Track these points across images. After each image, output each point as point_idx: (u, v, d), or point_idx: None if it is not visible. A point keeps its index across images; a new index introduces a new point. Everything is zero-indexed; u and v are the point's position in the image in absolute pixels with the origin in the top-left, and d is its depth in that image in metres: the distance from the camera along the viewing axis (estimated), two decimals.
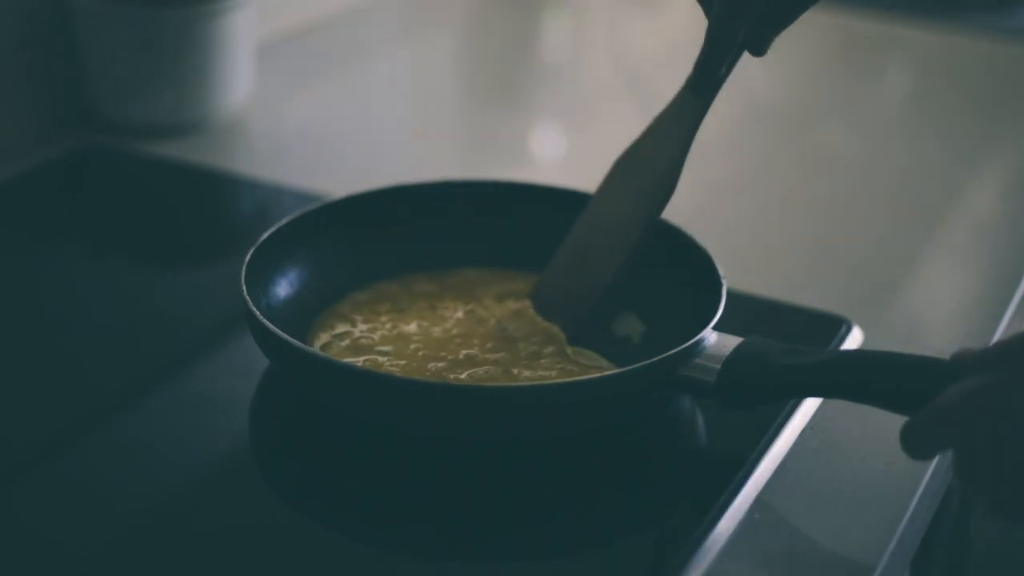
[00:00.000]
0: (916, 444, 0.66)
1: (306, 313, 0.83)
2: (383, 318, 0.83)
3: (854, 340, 0.87)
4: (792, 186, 1.13)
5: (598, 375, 0.73)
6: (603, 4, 1.61)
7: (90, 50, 1.12)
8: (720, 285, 0.79)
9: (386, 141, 1.20)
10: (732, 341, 0.75)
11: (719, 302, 0.77)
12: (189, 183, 1.08)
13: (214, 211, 1.09)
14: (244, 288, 0.77)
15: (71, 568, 0.67)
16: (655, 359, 0.73)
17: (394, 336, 0.81)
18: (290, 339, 0.73)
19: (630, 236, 0.80)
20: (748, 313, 0.86)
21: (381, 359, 0.79)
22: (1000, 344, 0.66)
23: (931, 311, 0.97)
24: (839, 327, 0.87)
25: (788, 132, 1.26)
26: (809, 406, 0.80)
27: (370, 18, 1.46)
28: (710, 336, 0.75)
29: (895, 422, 0.73)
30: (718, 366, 0.73)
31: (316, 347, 0.80)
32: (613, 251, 0.80)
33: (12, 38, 1.10)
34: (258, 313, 0.75)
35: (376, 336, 0.81)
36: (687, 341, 0.74)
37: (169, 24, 1.10)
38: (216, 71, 1.14)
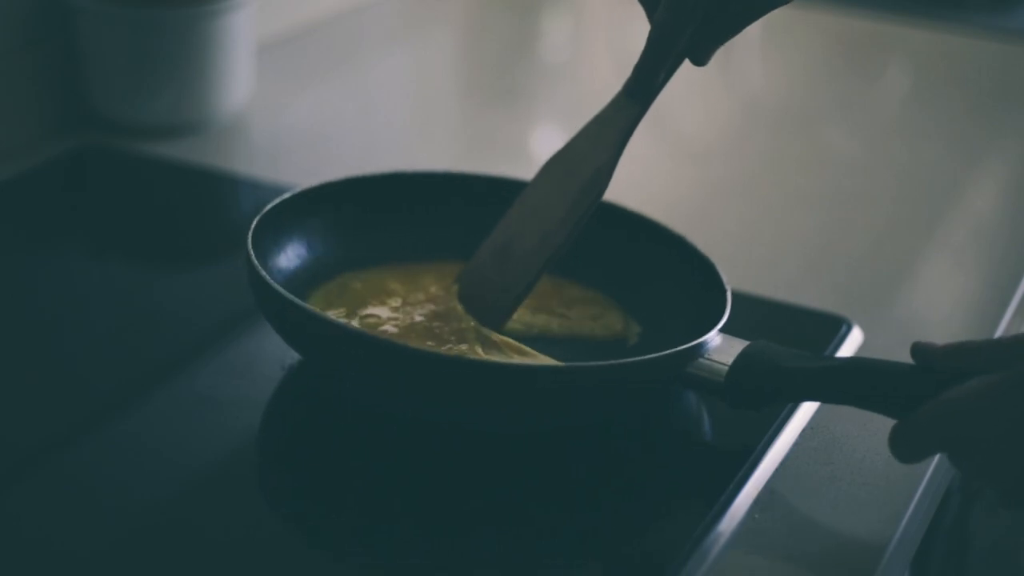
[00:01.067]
0: (907, 447, 0.66)
1: (305, 287, 0.84)
2: (372, 302, 0.84)
3: (854, 340, 0.87)
4: (792, 186, 1.13)
5: (615, 361, 0.73)
6: (603, 4, 1.61)
7: (90, 50, 1.12)
8: (724, 290, 0.79)
9: (386, 141, 1.20)
10: (738, 344, 0.75)
11: (725, 304, 0.78)
12: (189, 183, 1.08)
13: (214, 211, 1.09)
14: (251, 253, 0.76)
15: (71, 568, 0.67)
16: (668, 352, 0.73)
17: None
18: (300, 303, 0.74)
19: (555, 238, 0.80)
20: (748, 313, 0.86)
21: None
22: (985, 345, 0.67)
23: (931, 311, 0.97)
24: (839, 327, 0.87)
25: (788, 132, 1.26)
26: (810, 406, 0.80)
27: (370, 18, 1.46)
28: (716, 337, 0.76)
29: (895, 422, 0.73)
30: (725, 367, 0.74)
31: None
32: (536, 251, 0.80)
33: (12, 38, 1.10)
34: (270, 279, 0.74)
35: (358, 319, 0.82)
36: (692, 339, 0.74)
37: (169, 24, 1.10)
38: (216, 71, 1.14)
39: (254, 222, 0.80)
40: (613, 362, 0.74)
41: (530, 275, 0.80)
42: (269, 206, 0.83)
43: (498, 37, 1.51)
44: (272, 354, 0.80)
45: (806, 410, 0.80)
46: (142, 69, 1.12)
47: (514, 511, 0.72)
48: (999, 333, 0.91)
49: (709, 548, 0.69)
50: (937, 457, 0.76)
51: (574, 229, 0.80)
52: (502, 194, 0.85)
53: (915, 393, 0.68)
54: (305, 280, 0.84)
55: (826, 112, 1.31)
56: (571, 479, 0.73)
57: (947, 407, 0.64)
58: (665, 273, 0.85)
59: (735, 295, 0.80)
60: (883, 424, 0.77)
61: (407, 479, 0.73)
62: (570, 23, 1.60)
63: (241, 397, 0.79)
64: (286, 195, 0.84)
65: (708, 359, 0.75)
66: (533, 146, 1.25)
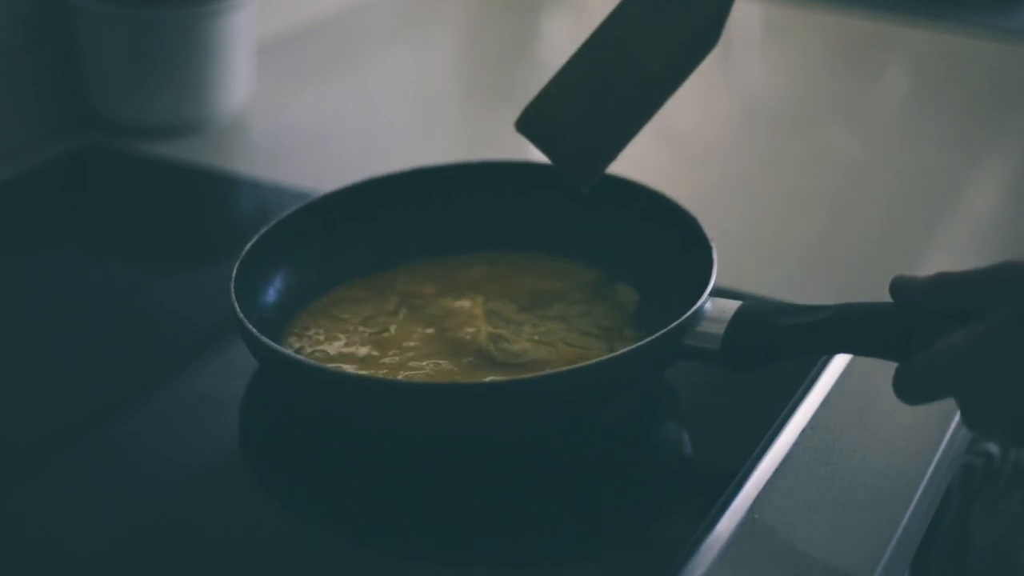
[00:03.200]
0: (913, 388, 0.66)
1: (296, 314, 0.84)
2: (346, 316, 0.83)
3: None
4: (792, 186, 1.13)
5: (605, 357, 0.73)
6: (603, 4, 1.61)
7: (90, 50, 1.12)
8: (710, 249, 0.78)
9: (386, 141, 1.20)
10: (731, 305, 0.74)
11: (711, 266, 0.77)
12: (189, 183, 1.08)
13: (214, 211, 1.09)
14: (236, 305, 0.76)
15: (70, 568, 0.67)
16: (660, 332, 0.72)
17: (369, 339, 0.82)
18: (282, 349, 0.74)
19: (664, 86, 0.73)
20: None
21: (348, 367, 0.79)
22: (973, 275, 0.66)
23: None
24: None
25: (788, 132, 1.26)
26: (809, 405, 0.80)
27: (370, 18, 1.46)
28: (708, 302, 0.75)
29: (895, 422, 0.73)
30: (720, 332, 0.73)
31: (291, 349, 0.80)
32: (644, 97, 0.73)
33: (12, 38, 1.10)
34: (251, 327, 0.74)
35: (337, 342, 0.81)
36: (684, 308, 0.73)
37: (169, 24, 1.10)
38: (216, 71, 1.14)
39: (233, 271, 0.79)
40: (612, 356, 0.73)
41: (637, 125, 0.73)
42: (243, 252, 0.81)
43: (498, 37, 1.50)
44: None
45: (805, 410, 0.80)
46: (142, 69, 1.12)
47: (514, 511, 0.72)
48: None
49: (709, 547, 0.69)
50: (937, 457, 0.77)
51: (680, 83, 0.72)
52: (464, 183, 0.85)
53: (906, 330, 0.68)
54: (298, 304, 0.84)
55: (826, 112, 1.31)
56: (571, 479, 0.73)
57: (948, 355, 0.64)
58: (655, 238, 0.84)
59: (734, 295, 0.80)
60: (883, 424, 0.77)
61: (407, 479, 0.73)
62: (570, 23, 1.60)
63: (241, 397, 0.79)
64: (262, 231, 0.83)
65: (701, 329, 0.74)
66: (533, 146, 1.25)
